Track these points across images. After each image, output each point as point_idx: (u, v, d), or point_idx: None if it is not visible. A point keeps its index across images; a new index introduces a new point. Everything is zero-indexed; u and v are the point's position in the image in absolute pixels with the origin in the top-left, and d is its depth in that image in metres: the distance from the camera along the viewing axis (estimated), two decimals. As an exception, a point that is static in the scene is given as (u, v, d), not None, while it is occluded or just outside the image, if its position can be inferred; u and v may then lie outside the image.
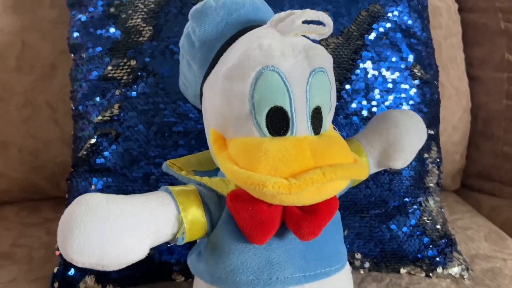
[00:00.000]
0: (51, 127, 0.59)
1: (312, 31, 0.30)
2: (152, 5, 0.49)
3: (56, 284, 0.46)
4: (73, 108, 0.49)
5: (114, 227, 0.26)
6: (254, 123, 0.29)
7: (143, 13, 0.49)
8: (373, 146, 0.38)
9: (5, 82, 0.58)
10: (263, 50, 0.29)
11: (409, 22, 0.53)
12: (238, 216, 0.28)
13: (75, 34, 0.50)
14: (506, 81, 0.75)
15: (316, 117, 0.30)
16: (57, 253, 0.47)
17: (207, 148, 0.35)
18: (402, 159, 0.38)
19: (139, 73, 0.47)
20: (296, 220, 0.28)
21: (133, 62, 0.48)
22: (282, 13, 0.31)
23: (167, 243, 0.31)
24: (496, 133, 0.75)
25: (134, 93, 0.47)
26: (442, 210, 0.54)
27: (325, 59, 0.31)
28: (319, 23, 0.31)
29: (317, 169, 0.27)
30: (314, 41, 0.33)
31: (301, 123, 0.29)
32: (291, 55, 0.29)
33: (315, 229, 0.29)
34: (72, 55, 0.51)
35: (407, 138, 0.38)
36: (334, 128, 0.35)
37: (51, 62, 0.59)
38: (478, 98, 0.77)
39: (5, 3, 0.58)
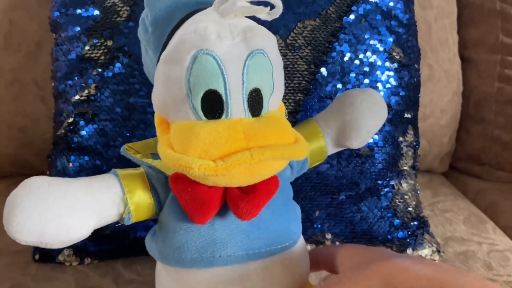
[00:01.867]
0: (38, 105, 0.61)
1: (252, 12, 0.30)
2: (130, -15, 0.49)
3: (37, 256, 0.48)
4: (53, 87, 0.51)
5: (53, 207, 0.28)
6: (191, 106, 0.29)
7: (121, -7, 0.49)
8: (330, 126, 0.38)
9: (-7, 61, 0.59)
10: (197, 34, 0.29)
11: (391, 4, 0.52)
12: (180, 197, 0.29)
13: (56, 14, 0.51)
14: (499, 63, 0.74)
15: (255, 99, 0.30)
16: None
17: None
18: (359, 139, 0.38)
19: (115, 54, 0.48)
20: (235, 200, 0.29)
21: (109, 43, 0.48)
22: None
23: (116, 222, 0.32)
24: (487, 116, 0.75)
25: (110, 74, 0.48)
26: (418, 192, 0.54)
27: (266, 40, 0.31)
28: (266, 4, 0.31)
29: (246, 151, 0.27)
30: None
31: (236, 105, 0.29)
32: (228, 38, 0.29)
33: (253, 209, 0.29)
34: (53, 34, 0.52)
35: (363, 117, 0.37)
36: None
37: (38, 40, 0.60)
38: (470, 80, 0.76)
39: (-8, -18, 0.59)
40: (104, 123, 0.47)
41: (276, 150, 0.28)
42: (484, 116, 0.75)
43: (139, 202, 0.31)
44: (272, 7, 0.31)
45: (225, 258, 0.31)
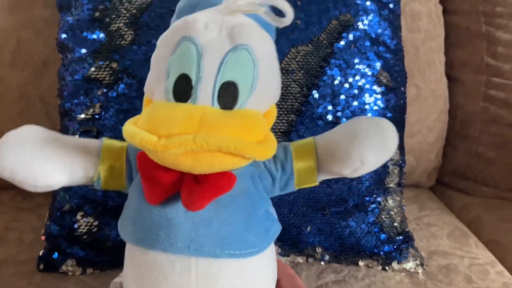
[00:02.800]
0: (43, 120, 0.63)
1: (245, 10, 0.31)
2: (134, 11, 0.53)
3: (41, 266, 0.51)
4: (60, 105, 0.54)
5: (28, 153, 0.32)
6: (164, 87, 0.30)
7: (125, 18, 0.52)
8: (326, 148, 0.36)
9: (1, 77, 0.62)
10: (187, 22, 0.31)
11: (379, 30, 0.56)
12: (140, 173, 0.31)
13: (63, 35, 0.54)
14: (484, 84, 0.78)
15: (228, 92, 0.30)
16: (42, 237, 0.52)
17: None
18: (350, 167, 0.35)
19: (120, 75, 0.51)
20: (185, 187, 0.30)
21: (114, 65, 0.51)
22: None
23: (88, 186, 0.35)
24: (472, 134, 0.78)
25: (114, 94, 0.51)
26: (403, 208, 0.57)
27: (254, 38, 0.31)
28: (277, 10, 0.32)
29: (190, 135, 0.27)
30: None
31: (204, 93, 0.29)
32: (215, 30, 0.30)
33: (198, 200, 0.29)
34: (60, 54, 0.55)
35: (359, 144, 0.34)
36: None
37: (44, 58, 0.63)
38: (457, 99, 0.79)
39: (1, 2, 0.62)
40: (108, 140, 0.50)
41: (224, 140, 0.27)
42: (470, 133, 0.78)
43: (111, 171, 0.34)
44: (283, 15, 0.32)
45: (168, 245, 0.31)
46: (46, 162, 0.33)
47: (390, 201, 0.55)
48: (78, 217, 0.50)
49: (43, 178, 0.33)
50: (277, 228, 0.36)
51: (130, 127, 0.29)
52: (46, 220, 0.52)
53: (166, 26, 0.52)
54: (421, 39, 0.73)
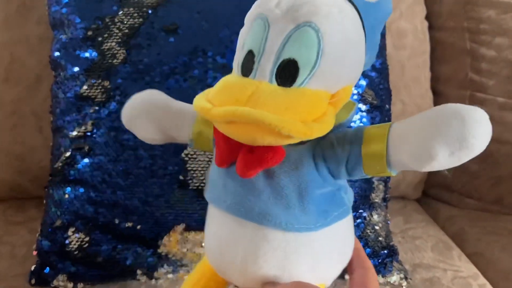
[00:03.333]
0: (35, 135, 0.64)
1: None
2: (126, 30, 0.54)
3: (33, 281, 0.51)
4: (52, 122, 0.55)
5: (138, 107, 0.39)
6: (236, 62, 0.32)
7: (117, 37, 0.54)
8: (399, 134, 0.31)
9: (-6, 92, 0.63)
10: (262, 0, 0.32)
11: (364, 50, 0.57)
12: (215, 138, 0.33)
13: (56, 53, 0.55)
14: (468, 99, 0.80)
15: (287, 69, 0.30)
16: (34, 253, 0.52)
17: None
18: (417, 161, 0.29)
19: (112, 93, 0.52)
20: (240, 156, 0.31)
21: (106, 83, 0.53)
22: None
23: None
24: (456, 147, 0.80)
25: (106, 112, 0.52)
26: (388, 222, 0.59)
27: (322, 16, 0.30)
28: None
29: (234, 106, 0.28)
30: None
31: (263, 69, 0.30)
32: (285, 8, 0.31)
33: (245, 168, 0.31)
34: (53, 71, 0.56)
35: (429, 138, 0.29)
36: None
37: (37, 74, 0.64)
38: (442, 113, 0.81)
39: (-5, 19, 0.63)
40: (99, 157, 0.51)
41: (261, 115, 0.28)
42: (454, 147, 0.80)
43: (201, 134, 0.37)
44: None
45: (228, 205, 0.33)
46: (147, 115, 0.38)
47: (375, 216, 0.56)
48: (70, 233, 0.51)
49: (141, 130, 0.39)
50: (342, 212, 0.34)
51: (198, 96, 0.31)
52: (37, 236, 0.53)
53: (158, 45, 0.54)
54: (407, 56, 0.75)
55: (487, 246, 0.69)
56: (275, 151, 0.31)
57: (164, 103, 0.39)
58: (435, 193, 0.84)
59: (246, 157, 0.31)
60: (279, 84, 0.30)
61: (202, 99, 0.31)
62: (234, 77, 0.32)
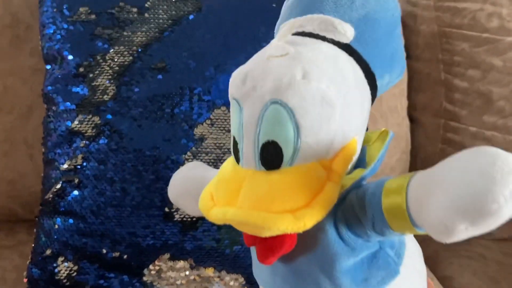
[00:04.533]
0: (27, 162, 0.67)
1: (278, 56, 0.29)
2: (116, 67, 0.57)
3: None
4: (44, 153, 0.57)
5: (178, 186, 0.39)
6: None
7: (108, 74, 0.57)
8: (418, 189, 0.25)
9: (-13, 120, 0.65)
10: (231, 81, 0.30)
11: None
12: None
13: (49, 88, 0.58)
14: (442, 127, 0.84)
15: (270, 152, 0.28)
16: (24, 280, 0.55)
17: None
18: (432, 229, 0.24)
19: (102, 129, 0.55)
20: (257, 243, 0.30)
21: (96, 118, 0.55)
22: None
23: None
24: (431, 173, 0.84)
25: (96, 146, 0.55)
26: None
27: (282, 91, 0.27)
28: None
29: (225, 208, 0.28)
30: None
31: (247, 155, 0.29)
32: (250, 84, 0.28)
33: (260, 255, 0.29)
34: (45, 105, 0.59)
35: (442, 205, 0.23)
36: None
37: (29, 104, 0.66)
38: (418, 140, 0.86)
39: (-11, 50, 0.65)
40: (88, 190, 0.54)
41: (247, 216, 0.27)
42: (430, 172, 0.84)
43: None
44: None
45: (260, 281, 0.33)
46: (194, 199, 0.35)
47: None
48: (59, 262, 0.53)
49: (194, 212, 0.38)
50: (388, 275, 0.30)
51: (206, 188, 0.30)
52: (28, 263, 0.55)
53: (146, 83, 0.57)
54: (384, 87, 0.79)
55: (458, 270, 0.73)
56: (283, 240, 0.28)
57: (200, 177, 0.37)
58: (412, 216, 0.88)
59: (261, 244, 0.29)
60: (267, 169, 0.28)
61: (207, 194, 0.30)
62: (230, 165, 0.30)
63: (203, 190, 0.31)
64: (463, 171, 0.23)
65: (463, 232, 0.22)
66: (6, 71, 0.65)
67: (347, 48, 0.30)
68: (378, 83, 0.32)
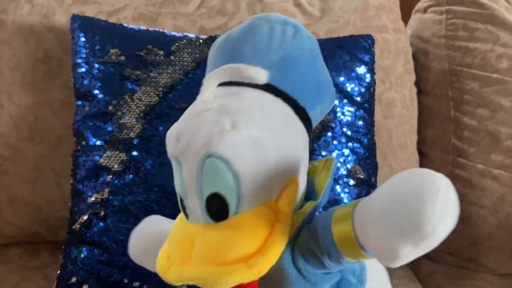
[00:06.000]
0: (53, 188, 0.70)
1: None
2: (143, 107, 0.61)
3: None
4: (72, 185, 0.61)
5: (137, 244, 0.41)
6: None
7: (135, 113, 0.60)
8: (361, 214, 0.28)
9: (18, 148, 0.69)
10: (167, 140, 0.31)
11: (354, 129, 0.64)
12: None
13: (79, 123, 0.62)
14: (450, 163, 0.86)
15: (215, 204, 0.29)
16: (50, 304, 0.58)
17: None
18: (379, 256, 0.27)
19: (127, 164, 0.59)
20: None
21: (123, 155, 0.59)
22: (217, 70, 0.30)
23: None
24: (439, 207, 0.86)
25: (122, 181, 0.58)
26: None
27: (213, 145, 0.28)
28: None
29: (179, 268, 0.29)
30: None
31: (194, 211, 0.29)
32: (184, 141, 0.29)
33: None
34: (75, 138, 0.63)
35: (382, 229, 0.25)
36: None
37: (58, 134, 0.70)
38: (427, 174, 0.88)
39: (23, 83, 0.69)
40: (113, 223, 0.58)
41: (202, 273, 0.28)
42: (437, 206, 0.86)
43: None
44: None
45: None
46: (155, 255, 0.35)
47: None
48: (84, 289, 0.57)
49: (150, 267, 0.38)
50: None
51: (162, 249, 0.32)
52: (54, 289, 0.59)
53: (170, 122, 0.60)
54: (395, 123, 0.82)
55: (462, 305, 0.75)
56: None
57: (157, 233, 0.38)
58: (419, 248, 0.90)
59: None
60: (216, 221, 0.29)
61: (164, 255, 0.31)
62: (180, 222, 0.31)
63: (160, 251, 0.32)
64: (398, 193, 0.25)
65: (407, 255, 0.25)
66: (38, 103, 0.70)
67: (271, 89, 0.32)
68: (311, 114, 0.33)
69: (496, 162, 0.83)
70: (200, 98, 0.31)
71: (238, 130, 0.29)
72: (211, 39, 0.65)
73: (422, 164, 0.87)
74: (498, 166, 0.83)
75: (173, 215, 0.57)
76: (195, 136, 0.29)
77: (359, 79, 0.66)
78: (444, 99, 0.88)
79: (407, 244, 0.25)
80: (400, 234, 0.24)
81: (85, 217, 0.58)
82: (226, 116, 0.29)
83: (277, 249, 0.29)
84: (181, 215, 0.32)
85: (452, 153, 0.87)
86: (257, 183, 0.29)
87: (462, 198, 0.86)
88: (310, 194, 0.34)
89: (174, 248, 0.30)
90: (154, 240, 0.38)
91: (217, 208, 0.29)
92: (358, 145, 0.64)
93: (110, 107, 0.61)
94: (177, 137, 0.30)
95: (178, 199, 0.31)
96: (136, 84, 0.61)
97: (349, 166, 0.63)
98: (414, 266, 0.86)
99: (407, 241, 0.25)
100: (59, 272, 0.59)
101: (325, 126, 0.62)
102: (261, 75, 0.29)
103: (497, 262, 0.84)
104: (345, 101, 0.65)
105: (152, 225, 0.40)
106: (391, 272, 0.83)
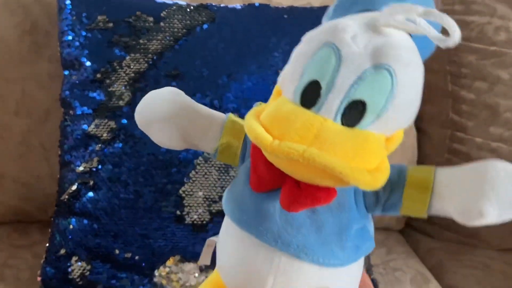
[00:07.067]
0: (42, 164, 0.69)
1: (404, 28, 0.29)
2: (132, 74, 0.59)
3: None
4: (60, 156, 0.59)
5: (159, 110, 0.36)
6: (295, 87, 0.30)
7: (124, 80, 0.59)
8: (446, 187, 0.31)
9: (5, 124, 0.67)
10: (336, 28, 0.29)
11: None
12: (251, 159, 0.32)
13: (66, 93, 0.60)
14: (448, 138, 0.85)
15: (354, 110, 0.28)
16: (38, 278, 0.56)
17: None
18: (465, 217, 0.30)
19: (117, 133, 0.57)
20: (286, 188, 0.30)
21: (112, 123, 0.57)
22: (399, 6, 0.29)
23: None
24: (437, 183, 0.85)
25: (111, 150, 0.57)
26: (369, 257, 0.63)
27: (400, 61, 0.29)
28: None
29: (301, 145, 0.27)
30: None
31: (330, 105, 0.28)
32: (361, 44, 0.29)
33: (293, 204, 0.30)
34: (63, 109, 0.61)
35: (481, 197, 0.29)
36: None
37: (46, 108, 0.68)
38: (424, 150, 0.87)
39: (8, 57, 0.67)
40: (103, 192, 0.56)
41: (331, 162, 0.27)
42: (436, 182, 0.85)
43: (227, 146, 0.35)
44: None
45: (257, 232, 0.32)
46: (175, 128, 0.35)
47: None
48: (73, 261, 0.55)
49: (165, 141, 0.36)
50: (368, 246, 0.34)
51: (250, 120, 0.29)
52: (42, 262, 0.57)
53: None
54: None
55: (463, 279, 0.74)
56: (329, 192, 0.30)
57: (191, 108, 0.36)
58: (417, 225, 0.88)
59: (294, 192, 0.30)
60: (342, 124, 0.29)
61: (256, 124, 0.29)
62: (290, 105, 0.30)
63: (248, 118, 0.30)
64: (496, 175, 0.29)
65: (491, 219, 0.29)
66: (24, 76, 0.68)
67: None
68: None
69: (495, 135, 0.82)
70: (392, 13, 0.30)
71: (416, 59, 0.30)
72: (202, 6, 0.63)
73: (420, 140, 0.86)
74: (497, 139, 0.82)
75: (163, 183, 0.56)
76: (379, 45, 0.29)
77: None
78: (441, 73, 0.86)
79: (497, 210, 0.29)
80: (496, 199, 0.29)
81: (74, 187, 0.57)
82: (404, 36, 0.30)
83: (388, 171, 0.29)
84: (282, 98, 0.31)
85: (450, 127, 0.85)
86: (397, 116, 0.30)
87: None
88: None
89: (285, 125, 0.28)
90: (192, 113, 0.36)
91: (354, 115, 0.29)
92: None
93: (98, 75, 0.59)
94: (353, 35, 0.29)
95: (304, 82, 0.30)
96: (125, 51, 0.59)
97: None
98: (413, 242, 0.85)
99: (499, 208, 0.29)
100: (47, 245, 0.57)
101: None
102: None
103: (497, 236, 0.82)
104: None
105: (183, 97, 0.37)
106: (390, 249, 0.82)
